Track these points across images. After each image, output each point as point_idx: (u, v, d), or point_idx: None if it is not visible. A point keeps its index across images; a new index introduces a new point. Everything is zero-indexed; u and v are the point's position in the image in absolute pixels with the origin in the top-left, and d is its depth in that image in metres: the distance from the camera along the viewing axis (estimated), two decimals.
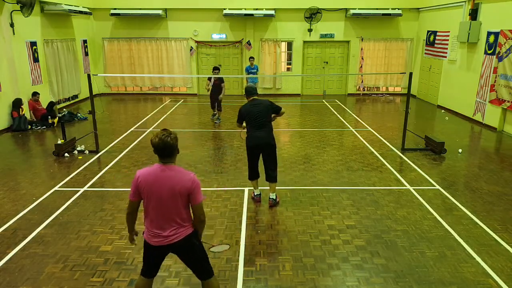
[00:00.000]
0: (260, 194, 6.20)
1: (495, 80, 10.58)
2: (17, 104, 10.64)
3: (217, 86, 11.30)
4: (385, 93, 16.79)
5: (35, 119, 11.07)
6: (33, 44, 11.62)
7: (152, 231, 3.25)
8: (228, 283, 4.23)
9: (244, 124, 6.01)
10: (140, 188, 3.18)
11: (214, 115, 11.69)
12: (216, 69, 11.43)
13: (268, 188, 6.11)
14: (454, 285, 4.20)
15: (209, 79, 11.33)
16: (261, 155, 5.95)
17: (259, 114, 5.81)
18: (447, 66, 13.38)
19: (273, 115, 6.02)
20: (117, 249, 4.85)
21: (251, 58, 13.28)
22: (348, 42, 16.11)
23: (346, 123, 11.46)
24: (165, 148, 3.09)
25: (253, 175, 6.09)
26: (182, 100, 15.44)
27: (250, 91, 5.99)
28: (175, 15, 15.59)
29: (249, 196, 6.35)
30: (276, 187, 6.67)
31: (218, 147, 9.14)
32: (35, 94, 11.23)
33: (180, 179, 3.12)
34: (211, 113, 11.98)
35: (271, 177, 5.98)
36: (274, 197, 6.05)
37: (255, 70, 13.22)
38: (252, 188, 6.29)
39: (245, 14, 14.91)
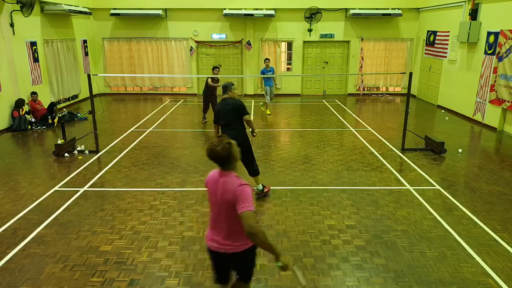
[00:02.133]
0: None
1: (495, 80, 10.58)
2: (19, 104, 10.65)
3: (214, 88, 11.16)
4: (385, 93, 16.80)
5: (34, 119, 11.05)
6: (33, 44, 11.62)
7: (209, 234, 3.24)
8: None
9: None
10: (207, 191, 3.20)
11: (204, 118, 11.61)
12: (216, 68, 11.23)
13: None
14: (454, 285, 4.20)
15: (214, 81, 11.08)
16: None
17: (226, 114, 5.93)
18: (447, 66, 13.38)
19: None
20: (117, 249, 4.85)
21: (267, 60, 12.53)
22: (348, 42, 16.11)
23: (346, 123, 11.46)
24: (216, 158, 3.04)
25: None
26: (182, 100, 15.44)
27: (223, 90, 6.06)
28: (175, 15, 15.59)
29: None
30: (277, 187, 6.70)
31: None
32: (33, 94, 11.23)
33: (229, 186, 3.04)
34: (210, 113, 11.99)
35: (253, 171, 6.25)
36: (261, 188, 6.30)
37: (272, 72, 12.57)
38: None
39: (245, 14, 14.91)
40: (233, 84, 6.09)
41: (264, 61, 12.59)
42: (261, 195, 6.31)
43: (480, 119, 11.34)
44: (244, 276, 3.40)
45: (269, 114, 12.53)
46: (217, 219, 3.14)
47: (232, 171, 3.11)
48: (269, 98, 12.48)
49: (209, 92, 11.27)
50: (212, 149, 3.02)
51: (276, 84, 12.76)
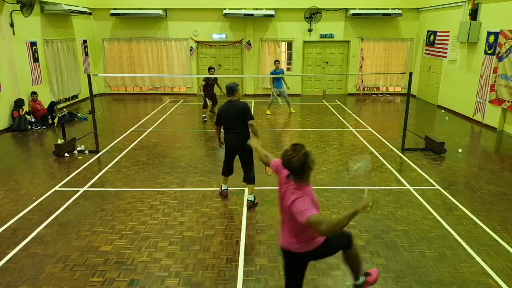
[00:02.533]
0: (227, 189, 6.32)
1: (495, 80, 10.58)
2: (19, 104, 10.64)
3: (213, 86, 11.79)
4: (385, 93, 16.80)
5: (33, 119, 11.05)
6: (33, 44, 11.62)
7: (281, 234, 3.33)
8: (228, 283, 4.23)
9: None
10: None
11: (204, 117, 11.81)
12: (212, 68, 11.67)
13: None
14: (454, 285, 4.21)
15: (206, 80, 11.53)
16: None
17: (229, 117, 5.78)
18: (447, 66, 13.38)
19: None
20: (117, 249, 4.85)
21: (277, 61, 12.43)
22: (348, 42, 16.11)
23: (346, 123, 11.46)
24: (290, 168, 3.00)
25: (226, 172, 6.22)
26: (182, 100, 15.44)
27: (228, 91, 5.85)
28: (175, 15, 15.59)
29: None
30: (277, 187, 6.68)
31: (218, 147, 9.13)
32: (33, 94, 11.23)
33: (287, 195, 3.04)
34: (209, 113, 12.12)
35: (247, 179, 6.02)
36: (252, 199, 6.02)
37: (281, 74, 12.40)
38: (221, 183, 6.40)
39: (245, 14, 14.91)
40: (238, 85, 5.90)
41: (274, 62, 12.54)
42: (251, 206, 5.99)
43: (480, 119, 11.34)
44: (344, 248, 3.49)
45: (269, 114, 12.53)
46: (283, 220, 3.25)
47: (298, 182, 3.03)
48: (279, 100, 12.51)
49: (206, 89, 11.64)
50: (288, 160, 2.94)
51: (286, 84, 12.69)
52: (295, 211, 2.92)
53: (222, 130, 6.09)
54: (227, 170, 6.22)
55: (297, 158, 2.90)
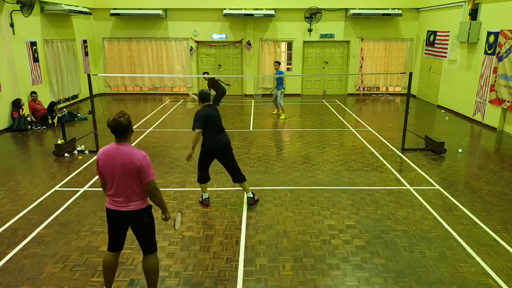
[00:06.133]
0: (208, 198, 6.10)
1: (495, 80, 10.58)
2: (16, 104, 10.64)
3: (213, 86, 12.09)
4: (385, 93, 16.80)
5: (34, 119, 11.05)
6: (33, 44, 11.61)
7: (112, 200, 3.88)
8: (228, 283, 4.23)
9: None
10: (101, 164, 3.78)
11: None
12: (205, 73, 12.38)
13: (243, 190, 6.12)
14: (454, 285, 4.21)
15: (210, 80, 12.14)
16: (219, 160, 5.93)
17: (218, 119, 5.90)
18: (447, 66, 13.38)
19: None
20: None
21: (276, 63, 11.89)
22: (348, 42, 16.11)
23: (346, 123, 11.46)
24: (119, 128, 3.53)
25: (205, 178, 5.98)
26: (182, 100, 15.44)
27: (206, 97, 5.95)
28: (175, 15, 15.59)
29: None
30: (277, 187, 6.68)
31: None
32: (33, 93, 11.23)
33: (129, 156, 3.59)
34: None
35: (240, 178, 5.95)
36: (252, 196, 6.03)
37: (279, 75, 11.75)
38: (201, 192, 6.16)
39: (245, 14, 14.91)
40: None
41: (274, 63, 12.06)
42: (253, 203, 6.04)
43: (480, 119, 11.34)
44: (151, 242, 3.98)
45: (276, 116, 12.52)
46: (118, 185, 3.63)
47: (128, 142, 3.63)
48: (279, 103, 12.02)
49: (208, 86, 12.14)
50: (115, 120, 3.48)
51: (283, 89, 11.91)
52: (147, 168, 3.55)
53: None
54: (206, 176, 6.00)
55: (125, 118, 3.52)
